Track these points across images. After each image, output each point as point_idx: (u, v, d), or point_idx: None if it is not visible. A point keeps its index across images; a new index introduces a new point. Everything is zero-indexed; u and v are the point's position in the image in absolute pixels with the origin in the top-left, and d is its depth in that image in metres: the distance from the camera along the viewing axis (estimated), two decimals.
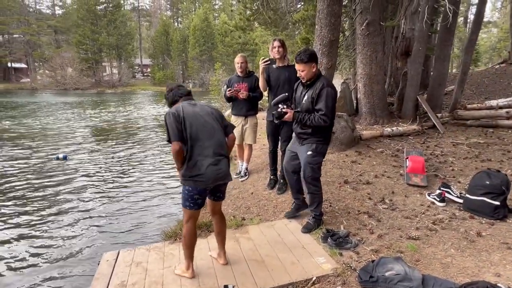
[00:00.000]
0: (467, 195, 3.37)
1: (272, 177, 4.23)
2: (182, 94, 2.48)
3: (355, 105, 7.98)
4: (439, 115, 7.07)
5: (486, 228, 3.02)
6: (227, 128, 2.50)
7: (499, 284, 1.98)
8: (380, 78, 6.94)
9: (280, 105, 2.96)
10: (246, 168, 4.72)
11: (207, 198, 2.46)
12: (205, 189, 2.34)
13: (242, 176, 4.65)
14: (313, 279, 2.38)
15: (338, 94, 7.76)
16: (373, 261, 2.42)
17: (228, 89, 4.21)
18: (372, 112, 6.98)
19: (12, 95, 27.43)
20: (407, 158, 4.44)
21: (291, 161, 3.19)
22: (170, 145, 2.29)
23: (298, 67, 2.82)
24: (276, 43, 3.73)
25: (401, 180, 4.23)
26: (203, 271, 2.56)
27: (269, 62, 3.75)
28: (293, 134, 3.23)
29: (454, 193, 3.58)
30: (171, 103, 2.49)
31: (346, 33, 9.86)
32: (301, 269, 2.51)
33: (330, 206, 3.60)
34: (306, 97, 2.90)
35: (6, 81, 38.37)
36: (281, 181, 4.01)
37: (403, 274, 2.16)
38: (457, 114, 7.11)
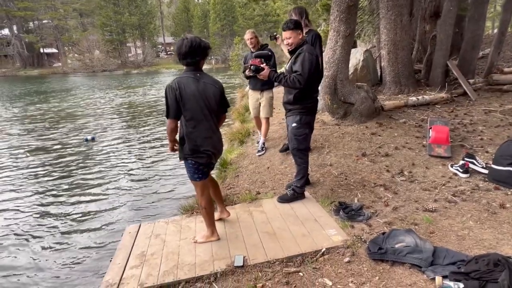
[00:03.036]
0: (492, 166, 3.18)
1: (286, 142, 4.22)
2: (190, 63, 2.32)
3: (379, 74, 7.60)
4: (471, 81, 6.56)
5: None
6: (223, 106, 2.53)
7: None
8: (406, 43, 6.50)
9: (261, 60, 3.04)
10: (264, 143, 4.73)
11: None
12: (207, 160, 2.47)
13: (259, 151, 4.66)
14: (323, 250, 2.41)
15: (361, 64, 7.45)
16: (383, 233, 2.40)
17: (248, 71, 4.12)
18: (397, 81, 6.63)
19: (45, 80, 28.84)
20: (430, 128, 4.22)
21: None
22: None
23: (285, 35, 2.91)
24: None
25: (423, 152, 4.06)
26: (216, 243, 2.67)
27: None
28: None
29: (479, 164, 3.39)
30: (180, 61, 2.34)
31: None
32: (311, 241, 2.55)
33: (346, 179, 3.55)
34: (289, 63, 2.99)
35: (40, 67, 40.26)
36: None
37: (413, 246, 2.13)
38: (492, 79, 6.57)
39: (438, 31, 6.81)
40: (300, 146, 3.06)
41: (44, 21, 41.26)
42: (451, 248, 2.25)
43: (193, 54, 2.27)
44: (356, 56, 7.47)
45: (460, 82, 6.39)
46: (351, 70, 7.14)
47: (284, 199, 3.20)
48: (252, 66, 2.92)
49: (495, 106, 5.65)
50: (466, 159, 3.45)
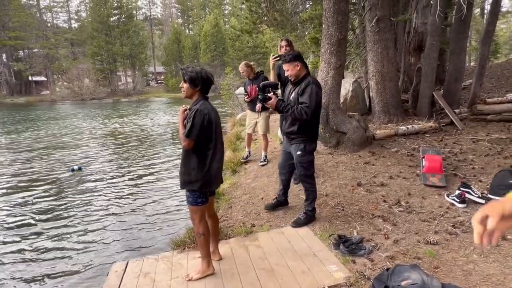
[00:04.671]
0: (489, 196, 3.17)
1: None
2: (207, 93, 2.46)
3: (367, 104, 7.78)
4: (456, 111, 6.78)
5: None
6: None
7: None
8: (393, 75, 6.73)
9: (268, 89, 3.11)
10: (265, 156, 5.10)
11: None
12: None
13: (261, 162, 5.05)
14: None
15: (350, 94, 7.62)
16: (388, 269, 2.29)
17: (246, 97, 4.86)
18: (386, 111, 6.77)
19: (32, 108, 28.43)
20: (423, 157, 4.24)
21: (287, 161, 3.30)
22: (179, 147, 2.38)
23: (284, 67, 3.04)
24: (283, 43, 4.18)
25: (418, 181, 4.04)
26: (210, 282, 2.49)
27: (278, 58, 4.08)
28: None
29: (475, 194, 3.37)
30: (192, 85, 2.36)
31: (356, 31, 9.66)
32: (312, 278, 2.41)
33: (343, 210, 3.47)
34: (293, 94, 3.06)
35: (27, 95, 39.86)
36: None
37: (420, 284, 2.02)
38: (476, 109, 6.80)
39: (423, 63, 7.11)
40: (307, 172, 3.14)
41: (34, 50, 41.45)
42: (458, 284, 2.15)
43: (208, 82, 2.42)
44: (345, 87, 7.66)
45: (446, 112, 6.58)
46: (340, 100, 7.29)
47: (298, 224, 3.22)
48: (260, 95, 3.00)
49: (481, 135, 5.79)
50: (462, 188, 3.44)
